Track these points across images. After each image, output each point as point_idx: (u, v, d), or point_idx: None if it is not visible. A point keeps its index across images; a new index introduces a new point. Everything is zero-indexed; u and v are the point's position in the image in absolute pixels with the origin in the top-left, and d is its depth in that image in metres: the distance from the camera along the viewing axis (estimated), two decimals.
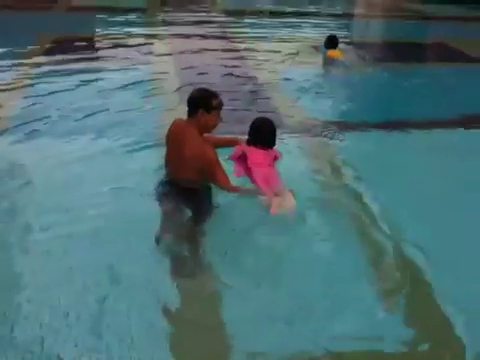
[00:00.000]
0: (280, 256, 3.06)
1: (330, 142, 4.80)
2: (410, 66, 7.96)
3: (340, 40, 7.73)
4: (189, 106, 3.37)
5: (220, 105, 3.40)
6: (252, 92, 6.13)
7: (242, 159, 3.55)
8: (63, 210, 3.39)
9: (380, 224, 3.45)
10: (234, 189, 3.41)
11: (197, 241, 3.23)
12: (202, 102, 3.33)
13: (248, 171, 3.51)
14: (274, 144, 3.68)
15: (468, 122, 5.45)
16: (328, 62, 7.45)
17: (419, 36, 11.29)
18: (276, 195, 3.34)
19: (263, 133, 3.65)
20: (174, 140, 3.44)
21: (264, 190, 3.37)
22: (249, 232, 3.21)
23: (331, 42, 7.52)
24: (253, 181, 3.45)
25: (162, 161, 3.55)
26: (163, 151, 3.53)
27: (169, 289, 2.78)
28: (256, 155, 3.53)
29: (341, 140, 4.83)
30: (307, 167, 4.26)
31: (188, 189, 3.38)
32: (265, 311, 2.66)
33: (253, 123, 3.71)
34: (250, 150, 3.56)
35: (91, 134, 4.62)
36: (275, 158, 3.65)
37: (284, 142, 4.47)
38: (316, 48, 8.25)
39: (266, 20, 11.16)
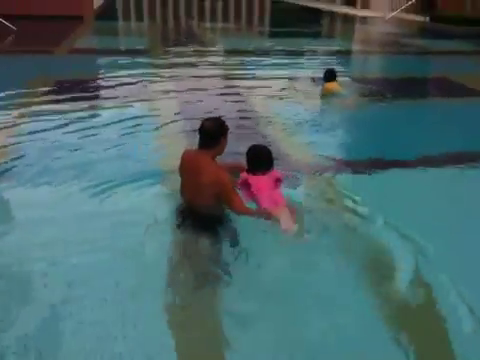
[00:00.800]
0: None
1: (330, 179, 4.65)
2: (414, 101, 7.86)
3: (340, 76, 7.78)
4: (207, 136, 3.52)
5: (227, 129, 3.65)
6: (250, 128, 6.02)
7: (247, 186, 3.81)
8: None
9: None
10: (249, 212, 3.58)
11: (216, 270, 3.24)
12: (222, 130, 3.57)
13: (254, 197, 3.75)
14: (272, 167, 3.94)
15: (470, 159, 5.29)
16: (326, 95, 7.56)
17: (420, 71, 11.29)
18: (284, 214, 3.56)
19: (259, 160, 3.93)
20: (189, 169, 3.63)
21: (273, 211, 3.59)
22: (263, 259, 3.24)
23: (330, 75, 7.65)
24: (260, 206, 3.68)
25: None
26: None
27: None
28: (258, 181, 3.80)
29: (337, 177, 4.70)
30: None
31: (207, 216, 3.53)
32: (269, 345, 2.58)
33: (248, 152, 3.98)
34: (252, 177, 3.82)
35: (87, 173, 4.48)
36: (277, 180, 3.89)
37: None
38: (314, 80, 8.34)
39: (265, 58, 11.18)
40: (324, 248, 3.40)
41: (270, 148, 4.08)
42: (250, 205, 3.67)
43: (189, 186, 3.63)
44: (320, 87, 7.81)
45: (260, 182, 3.80)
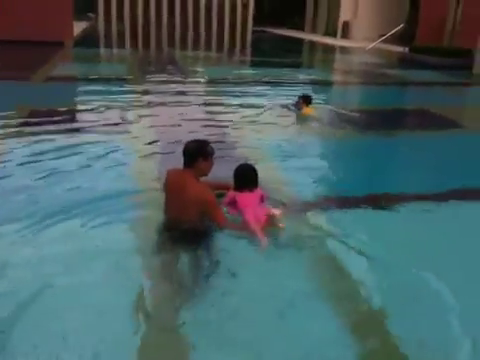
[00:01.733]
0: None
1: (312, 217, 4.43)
2: (395, 133, 7.77)
3: (319, 106, 8.03)
4: (187, 156, 3.85)
5: (213, 152, 3.96)
6: (230, 157, 5.80)
7: (233, 203, 4.13)
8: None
9: None
10: (231, 226, 3.87)
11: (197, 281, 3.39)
12: (200, 151, 3.86)
13: (240, 212, 4.03)
14: (257, 185, 4.27)
15: (458, 195, 5.11)
16: (302, 119, 7.83)
17: (400, 102, 11.32)
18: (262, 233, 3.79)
19: (246, 178, 4.26)
20: (173, 187, 3.90)
21: (254, 226, 3.83)
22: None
23: (305, 100, 7.94)
24: (245, 220, 3.94)
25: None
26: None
27: None
28: (244, 198, 4.12)
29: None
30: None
31: (191, 231, 3.74)
32: None
33: (236, 171, 4.31)
34: (239, 195, 4.14)
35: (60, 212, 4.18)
36: (261, 197, 4.22)
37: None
38: (288, 107, 8.42)
39: (244, 87, 11.10)
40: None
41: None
42: (235, 220, 3.97)
43: (174, 203, 3.87)
44: (296, 112, 8.03)
45: (247, 199, 4.12)
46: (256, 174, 4.30)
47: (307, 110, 7.86)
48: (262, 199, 4.23)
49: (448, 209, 4.75)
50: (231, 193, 4.20)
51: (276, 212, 3.95)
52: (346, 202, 4.80)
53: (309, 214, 4.43)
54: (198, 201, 3.72)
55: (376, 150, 6.84)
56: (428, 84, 13.81)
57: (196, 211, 3.74)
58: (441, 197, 5.00)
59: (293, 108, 8.20)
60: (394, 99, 11.42)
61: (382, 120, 8.71)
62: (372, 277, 3.48)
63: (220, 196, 4.20)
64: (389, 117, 8.99)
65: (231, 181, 4.32)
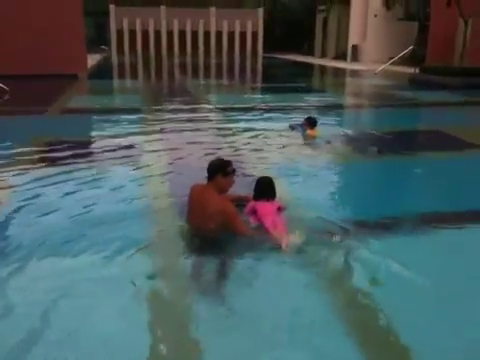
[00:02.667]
0: None
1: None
2: (411, 155, 7.72)
3: (334, 130, 8.31)
4: (209, 172, 4.32)
5: (233, 171, 4.41)
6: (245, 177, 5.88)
7: (253, 212, 4.52)
8: None
9: None
10: (251, 233, 4.17)
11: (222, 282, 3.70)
12: (220, 169, 4.30)
13: (260, 220, 4.40)
14: (275, 196, 4.69)
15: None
16: (308, 140, 8.10)
17: (413, 123, 11.28)
18: (283, 235, 4.13)
19: (264, 188, 4.69)
20: (196, 201, 4.31)
21: (274, 233, 4.18)
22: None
23: (311, 122, 8.29)
24: (265, 227, 4.28)
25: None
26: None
27: None
28: (263, 207, 4.51)
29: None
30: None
31: (212, 239, 4.08)
32: None
33: (256, 182, 4.77)
34: (258, 204, 4.55)
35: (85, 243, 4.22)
36: (279, 208, 4.60)
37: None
38: (293, 128, 8.73)
39: (256, 113, 11.18)
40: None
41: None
42: (255, 227, 4.34)
43: (196, 214, 4.26)
44: (302, 133, 8.36)
45: (265, 208, 4.51)
46: (273, 185, 4.73)
47: (312, 132, 8.20)
48: (280, 209, 4.60)
49: (468, 232, 4.68)
50: (251, 203, 4.61)
51: (291, 238, 4.09)
52: (363, 225, 4.75)
53: (326, 235, 4.38)
54: (218, 213, 4.06)
55: (392, 171, 6.83)
56: (440, 104, 13.77)
57: (217, 222, 4.06)
58: (460, 218, 4.94)
59: (300, 129, 8.50)
60: (406, 120, 11.38)
61: (396, 141, 8.66)
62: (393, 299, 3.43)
63: (240, 208, 4.58)
64: (402, 139, 8.94)
65: (251, 194, 4.78)
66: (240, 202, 4.71)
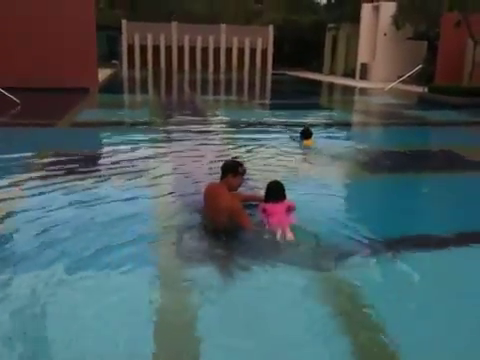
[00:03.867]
0: None
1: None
2: (420, 174, 7.73)
3: (341, 149, 8.75)
4: (221, 171, 4.97)
5: (243, 172, 5.01)
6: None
7: (264, 211, 4.92)
8: None
9: None
10: (256, 227, 4.70)
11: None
12: (230, 169, 4.93)
13: (268, 218, 4.83)
14: (284, 197, 5.03)
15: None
16: (304, 149, 8.90)
17: (421, 143, 11.24)
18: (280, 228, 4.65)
19: (274, 191, 5.04)
20: (210, 197, 4.91)
21: (272, 227, 4.70)
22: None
23: (306, 133, 9.15)
24: (268, 223, 4.78)
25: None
26: None
27: None
28: (272, 208, 4.90)
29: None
30: None
31: (223, 230, 4.61)
32: None
33: (267, 188, 5.13)
34: (267, 205, 4.94)
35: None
36: (288, 208, 4.91)
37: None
38: (293, 138, 9.71)
39: (264, 129, 11.32)
40: None
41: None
42: (260, 223, 4.81)
43: (209, 209, 4.87)
44: (299, 143, 9.18)
45: (274, 208, 4.88)
46: (283, 187, 5.09)
47: (308, 142, 9.10)
48: (289, 209, 4.91)
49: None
50: (262, 204, 5.03)
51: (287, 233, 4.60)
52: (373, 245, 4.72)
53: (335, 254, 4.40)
54: (226, 209, 4.61)
55: (401, 190, 6.84)
56: (449, 124, 13.75)
57: (225, 216, 4.60)
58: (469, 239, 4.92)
59: (297, 140, 9.41)
60: (415, 139, 11.35)
61: (404, 160, 8.65)
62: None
63: (250, 206, 5.19)
64: (412, 158, 8.92)
65: (260, 191, 5.44)
66: (253, 201, 5.34)
